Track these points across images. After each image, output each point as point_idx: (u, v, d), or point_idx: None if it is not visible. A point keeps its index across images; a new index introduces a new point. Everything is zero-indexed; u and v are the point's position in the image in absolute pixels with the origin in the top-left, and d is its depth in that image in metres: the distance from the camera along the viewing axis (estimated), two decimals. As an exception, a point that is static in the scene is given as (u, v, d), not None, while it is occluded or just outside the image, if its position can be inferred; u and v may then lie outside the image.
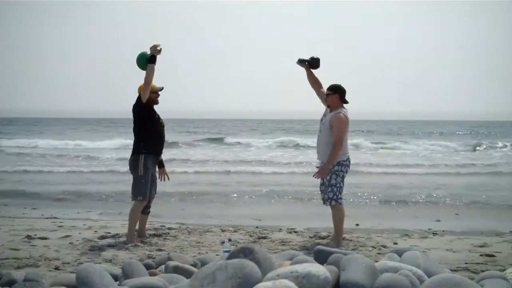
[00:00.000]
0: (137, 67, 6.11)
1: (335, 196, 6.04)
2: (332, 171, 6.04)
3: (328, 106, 6.21)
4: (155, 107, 6.28)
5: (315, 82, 6.50)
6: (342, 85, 6.18)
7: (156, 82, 6.19)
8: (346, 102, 6.15)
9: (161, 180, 6.50)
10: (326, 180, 6.07)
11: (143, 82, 6.19)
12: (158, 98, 6.25)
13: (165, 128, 6.39)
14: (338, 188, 6.05)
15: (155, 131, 6.19)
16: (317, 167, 6.21)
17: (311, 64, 6.48)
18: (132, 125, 6.26)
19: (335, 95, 6.11)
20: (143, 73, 6.04)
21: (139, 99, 6.13)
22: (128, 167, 6.29)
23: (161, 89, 6.25)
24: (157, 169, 6.40)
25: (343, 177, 6.09)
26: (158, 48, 5.98)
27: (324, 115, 6.24)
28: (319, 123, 6.30)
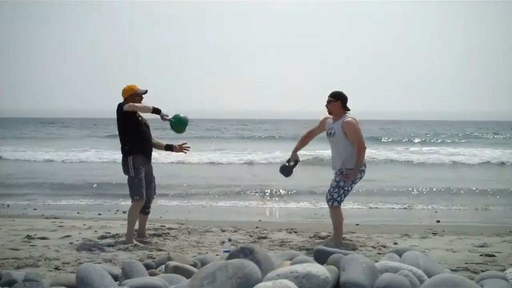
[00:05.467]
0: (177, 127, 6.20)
1: (338, 198, 6.03)
2: (344, 173, 6.05)
3: (329, 113, 6.21)
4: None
5: (305, 142, 6.46)
6: (343, 92, 6.18)
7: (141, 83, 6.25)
8: (348, 109, 6.16)
9: (185, 152, 6.61)
10: (335, 181, 6.08)
11: (127, 85, 6.23)
12: (142, 101, 6.24)
13: (150, 127, 6.38)
14: (345, 192, 6.04)
15: (138, 132, 6.19)
16: (336, 173, 6.14)
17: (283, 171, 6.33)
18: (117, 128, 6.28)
19: (337, 102, 6.11)
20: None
21: (122, 107, 6.12)
22: (122, 170, 6.30)
23: (145, 92, 6.26)
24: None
25: (353, 182, 6.07)
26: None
27: (331, 127, 6.16)
28: (328, 137, 6.25)
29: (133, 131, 6.16)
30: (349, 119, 6.04)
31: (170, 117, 6.18)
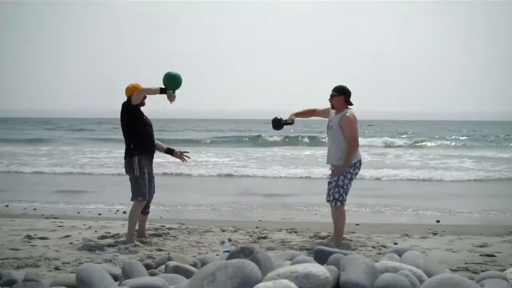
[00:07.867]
0: (165, 81, 6.06)
1: (340, 197, 6.03)
2: (334, 169, 6.04)
3: (332, 107, 6.21)
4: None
5: (306, 114, 6.52)
6: (347, 86, 6.18)
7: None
8: (351, 104, 6.16)
9: (183, 161, 6.63)
10: (334, 180, 6.06)
11: (130, 83, 6.22)
12: (145, 100, 6.26)
13: (153, 127, 6.40)
14: (345, 190, 6.04)
15: (144, 131, 6.22)
16: (331, 169, 6.19)
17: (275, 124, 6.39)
18: (121, 127, 6.29)
19: (340, 97, 6.10)
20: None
21: (128, 101, 6.14)
22: (124, 169, 6.31)
23: None
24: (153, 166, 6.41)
25: (351, 179, 6.07)
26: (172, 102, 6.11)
27: (330, 120, 6.21)
28: (327, 130, 6.28)
29: (139, 130, 6.17)
30: (348, 114, 6.04)
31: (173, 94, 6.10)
